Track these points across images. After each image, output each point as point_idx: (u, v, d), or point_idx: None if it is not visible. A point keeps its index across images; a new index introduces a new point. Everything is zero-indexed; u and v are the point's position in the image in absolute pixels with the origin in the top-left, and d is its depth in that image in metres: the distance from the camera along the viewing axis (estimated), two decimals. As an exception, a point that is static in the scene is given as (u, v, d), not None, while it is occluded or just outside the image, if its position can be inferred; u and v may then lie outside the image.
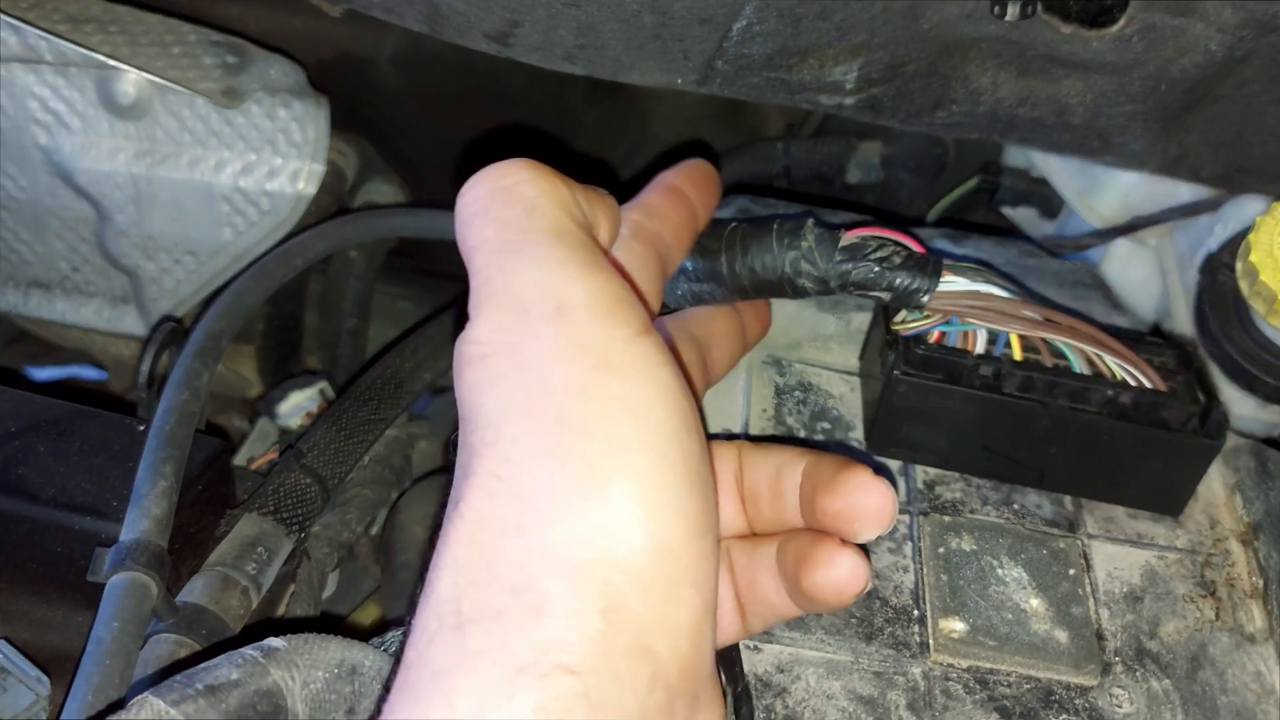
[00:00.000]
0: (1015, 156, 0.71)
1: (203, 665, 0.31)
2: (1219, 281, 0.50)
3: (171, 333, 0.56)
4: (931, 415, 0.41)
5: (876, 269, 0.39)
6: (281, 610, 0.50)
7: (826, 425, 0.46)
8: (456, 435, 0.29)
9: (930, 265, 0.39)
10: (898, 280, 0.39)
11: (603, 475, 0.26)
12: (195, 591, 0.44)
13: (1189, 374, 0.42)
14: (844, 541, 0.32)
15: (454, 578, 0.26)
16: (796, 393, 0.47)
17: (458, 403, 0.28)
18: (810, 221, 0.40)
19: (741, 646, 0.39)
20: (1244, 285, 0.47)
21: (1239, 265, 0.47)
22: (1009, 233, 0.66)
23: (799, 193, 0.75)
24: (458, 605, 0.25)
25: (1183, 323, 0.56)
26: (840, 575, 0.32)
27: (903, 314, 0.42)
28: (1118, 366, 0.41)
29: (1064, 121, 0.55)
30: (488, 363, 0.27)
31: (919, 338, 0.41)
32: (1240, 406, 0.52)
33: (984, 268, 0.41)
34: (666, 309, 0.45)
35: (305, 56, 0.67)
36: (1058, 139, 0.56)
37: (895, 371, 0.40)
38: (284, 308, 0.78)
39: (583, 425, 0.27)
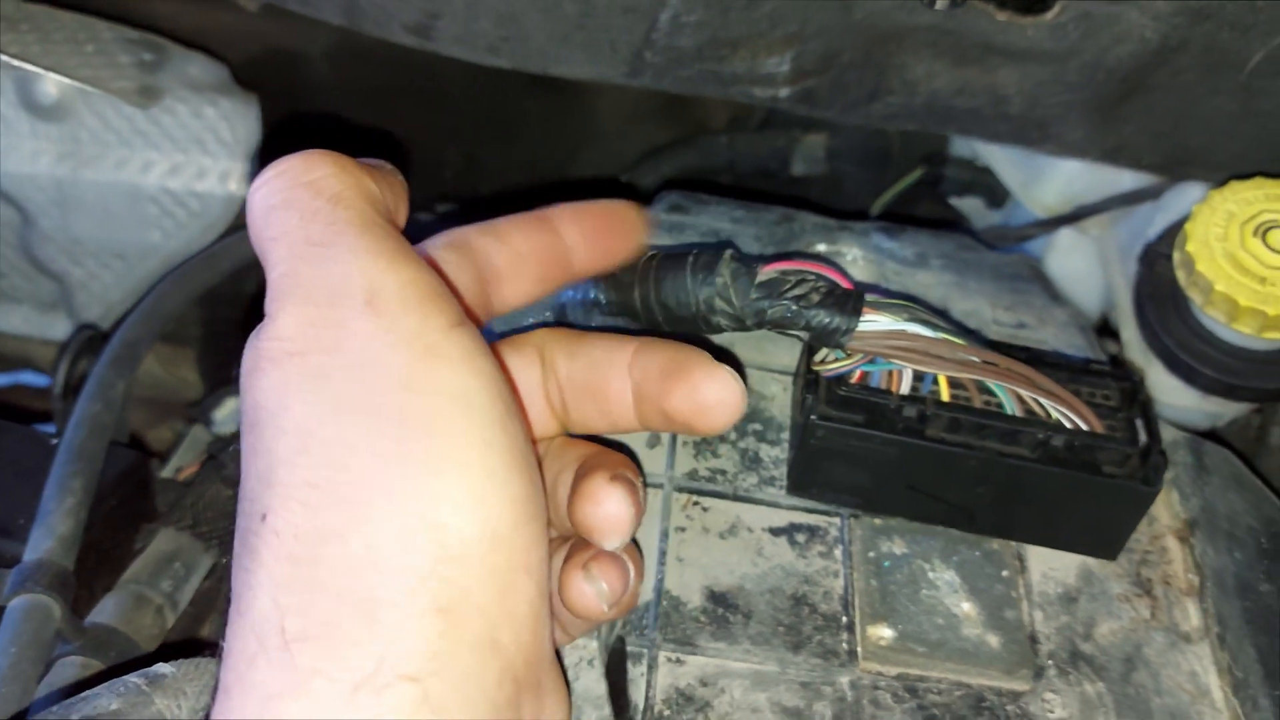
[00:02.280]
0: (960, 147, 0.70)
1: (82, 695, 0.30)
2: (1157, 272, 0.49)
3: (88, 341, 0.54)
4: (853, 457, 0.40)
5: (794, 308, 0.37)
6: (206, 630, 0.49)
7: (758, 427, 0.45)
8: (235, 446, 0.27)
9: (851, 303, 0.38)
10: (815, 319, 0.37)
11: (431, 468, 0.25)
12: (106, 612, 0.43)
13: (1132, 409, 0.40)
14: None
15: (272, 595, 0.24)
16: (728, 394, 0.46)
17: (246, 408, 0.26)
18: (727, 254, 0.39)
19: (663, 659, 0.38)
20: (1181, 275, 0.46)
21: (1176, 255, 0.47)
22: (949, 225, 0.65)
23: (744, 187, 0.74)
24: (280, 624, 0.24)
25: (1125, 314, 0.56)
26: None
27: (824, 352, 0.40)
28: (1051, 407, 0.39)
29: (1002, 112, 0.54)
30: (296, 361, 0.26)
31: (840, 378, 0.39)
32: (1183, 398, 0.52)
33: (911, 304, 0.39)
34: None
35: (235, 53, 0.65)
36: (996, 129, 0.55)
37: (813, 416, 0.39)
38: (219, 311, 0.76)
39: (407, 420, 0.25)
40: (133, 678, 0.30)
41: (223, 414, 0.67)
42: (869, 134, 0.72)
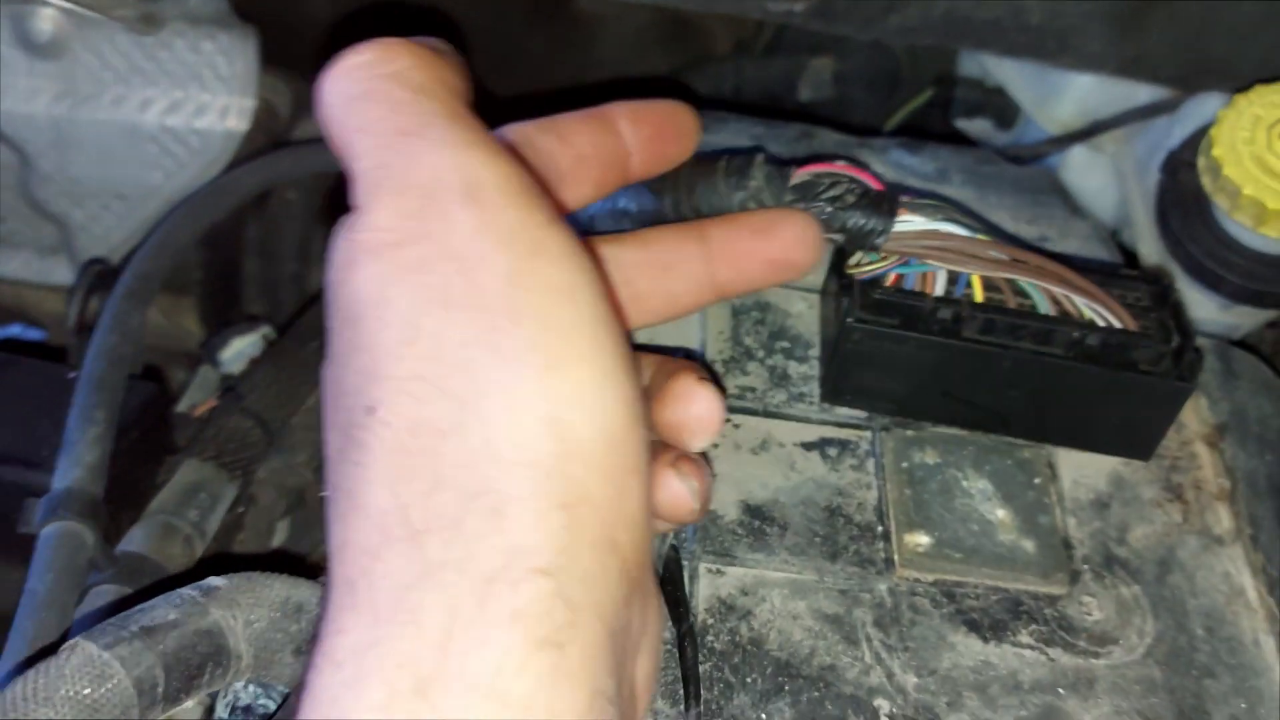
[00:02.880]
0: (970, 67, 0.69)
1: (139, 606, 0.29)
2: (1180, 180, 0.49)
3: (99, 275, 0.53)
4: (888, 362, 0.40)
5: (829, 209, 0.37)
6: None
7: (785, 344, 0.45)
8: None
9: (886, 204, 0.37)
10: (851, 221, 0.37)
11: (547, 365, 0.25)
12: (135, 541, 0.43)
13: (1163, 311, 0.40)
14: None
15: (392, 488, 0.24)
16: (754, 313, 0.46)
17: (341, 302, 0.26)
18: (760, 158, 0.38)
19: (703, 570, 0.38)
20: (1207, 181, 0.46)
21: (1201, 161, 0.46)
22: (965, 142, 0.64)
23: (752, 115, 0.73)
24: (405, 516, 0.24)
25: (1142, 229, 0.55)
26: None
27: (857, 256, 0.39)
28: (1086, 306, 0.39)
29: (1021, 22, 0.53)
30: (396, 251, 0.25)
31: (874, 281, 0.39)
32: (1202, 309, 0.52)
33: (944, 204, 0.39)
34: None
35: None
36: (1014, 41, 0.54)
37: (849, 319, 0.39)
38: (221, 254, 0.75)
39: (518, 313, 0.25)
40: (187, 590, 0.30)
41: (229, 354, 0.67)
42: (876, 56, 0.71)
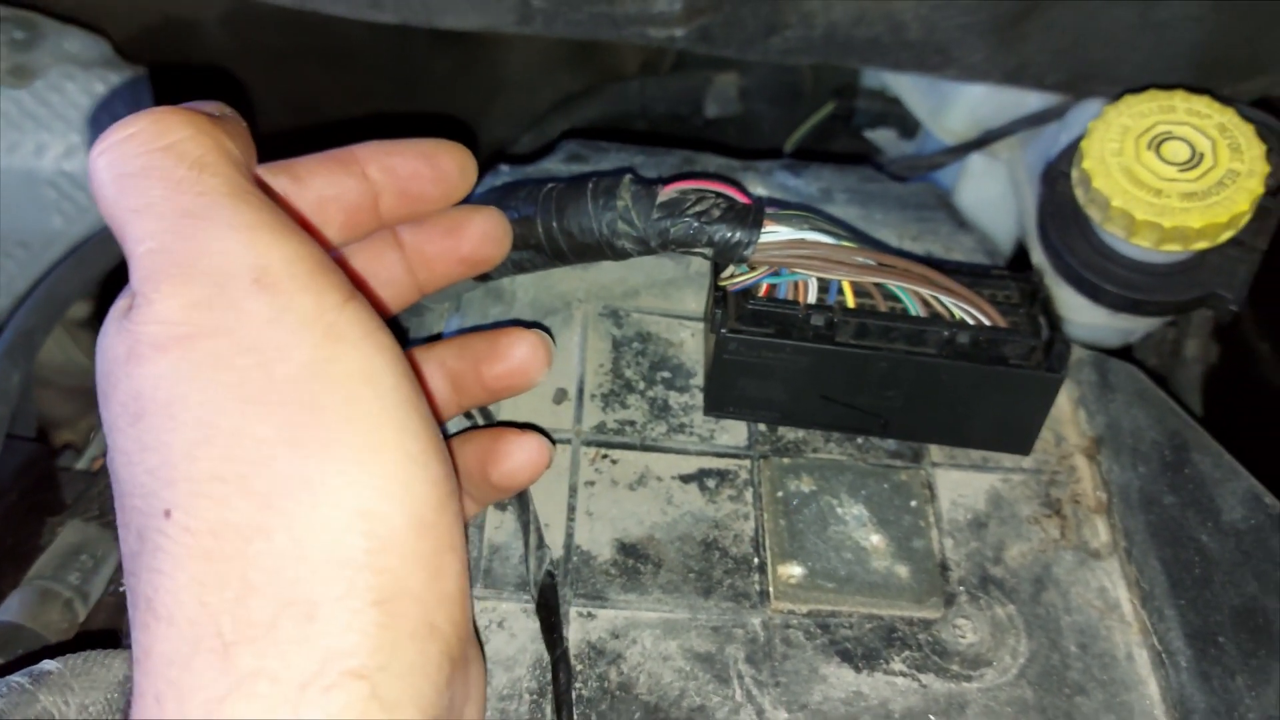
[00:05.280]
0: (871, 78, 0.70)
1: (-37, 699, 0.29)
2: (1058, 191, 0.49)
3: (-19, 334, 0.52)
4: (766, 370, 0.40)
5: (695, 224, 0.38)
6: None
7: (667, 374, 0.45)
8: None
9: (751, 216, 0.38)
10: (717, 235, 0.38)
11: (351, 457, 0.24)
12: (10, 609, 0.42)
13: (1033, 306, 0.41)
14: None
15: (199, 597, 0.23)
16: (635, 344, 0.46)
17: (121, 397, 0.24)
18: (627, 178, 0.39)
19: (574, 614, 0.37)
20: (1080, 193, 0.46)
21: (1074, 173, 0.47)
22: (862, 159, 0.64)
23: (658, 133, 0.73)
24: (216, 626, 0.23)
25: (1033, 238, 0.55)
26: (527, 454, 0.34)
27: (730, 269, 0.40)
28: (955, 306, 0.39)
29: (901, 39, 0.53)
30: (184, 345, 0.24)
31: (748, 292, 0.39)
32: (1094, 315, 0.52)
33: (809, 214, 0.40)
34: (486, 277, 0.43)
35: (126, 26, 0.63)
36: (898, 57, 0.54)
37: (723, 330, 0.39)
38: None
39: (319, 406, 0.24)
40: (16, 677, 0.29)
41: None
42: (780, 71, 0.71)
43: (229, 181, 0.26)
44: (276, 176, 0.31)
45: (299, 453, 0.24)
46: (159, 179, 0.25)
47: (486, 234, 0.36)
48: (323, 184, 0.31)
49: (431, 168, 0.33)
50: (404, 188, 0.33)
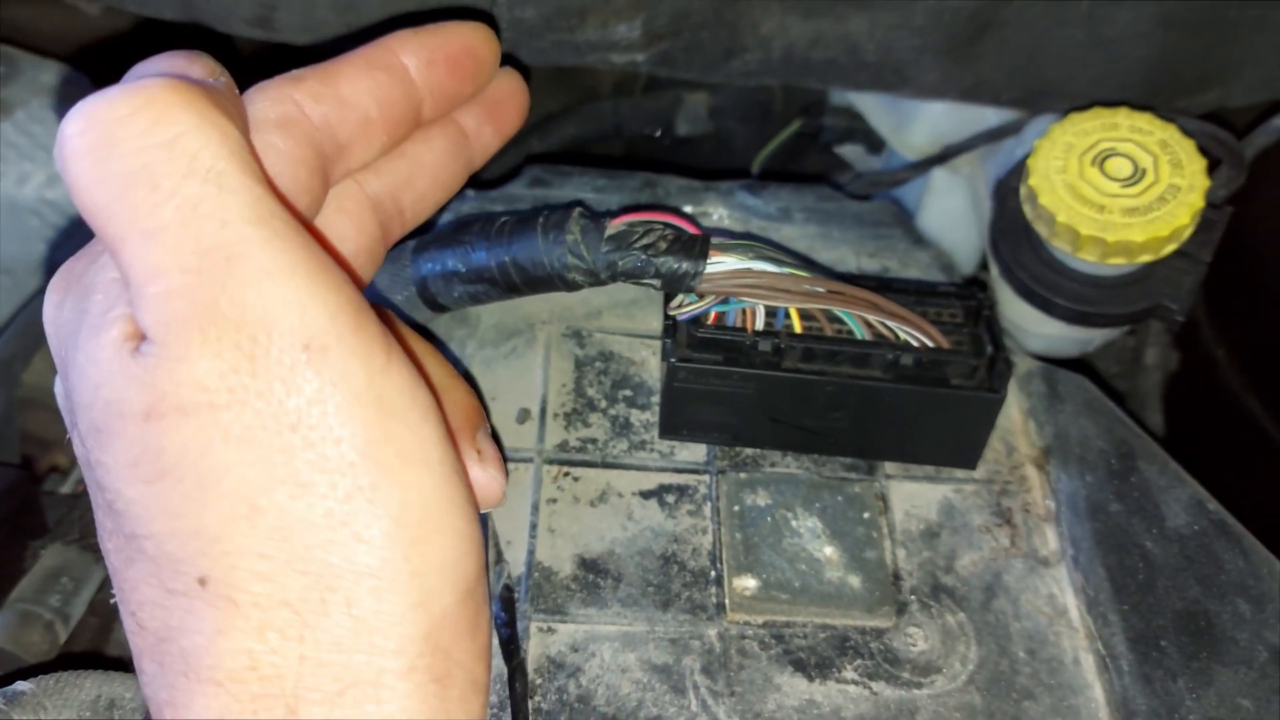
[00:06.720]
0: (839, 95, 0.71)
1: (-61, 721, 0.30)
2: (1008, 206, 0.50)
3: (-36, 363, 0.53)
4: (716, 396, 0.41)
5: (643, 257, 0.39)
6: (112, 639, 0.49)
7: (629, 393, 0.46)
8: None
9: (697, 247, 0.39)
10: (665, 266, 0.39)
11: (409, 542, 0.24)
12: (-9, 632, 0.43)
13: (977, 324, 0.42)
14: None
15: (249, 664, 0.23)
16: (597, 363, 0.47)
17: (124, 451, 0.22)
18: (576, 212, 0.40)
19: (535, 630, 0.39)
20: (1028, 209, 0.47)
21: (1022, 190, 0.48)
22: (822, 178, 0.66)
23: (633, 153, 0.74)
24: (279, 688, 0.23)
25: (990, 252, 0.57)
26: None
27: (679, 297, 0.41)
28: (899, 329, 0.40)
29: (858, 60, 0.55)
30: (220, 415, 0.22)
31: (697, 320, 0.41)
32: (1050, 327, 0.53)
33: (755, 243, 0.41)
34: (443, 308, 0.44)
35: (92, 58, 0.65)
36: (855, 78, 0.55)
37: (672, 359, 0.40)
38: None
39: (376, 489, 0.23)
40: (-12, 699, 0.31)
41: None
42: (751, 90, 0.72)
43: (251, 204, 0.23)
44: (319, 103, 0.27)
45: (355, 537, 0.23)
46: (166, 194, 0.22)
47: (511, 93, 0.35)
48: (367, 101, 0.28)
49: (470, 57, 0.31)
50: (444, 86, 0.31)
